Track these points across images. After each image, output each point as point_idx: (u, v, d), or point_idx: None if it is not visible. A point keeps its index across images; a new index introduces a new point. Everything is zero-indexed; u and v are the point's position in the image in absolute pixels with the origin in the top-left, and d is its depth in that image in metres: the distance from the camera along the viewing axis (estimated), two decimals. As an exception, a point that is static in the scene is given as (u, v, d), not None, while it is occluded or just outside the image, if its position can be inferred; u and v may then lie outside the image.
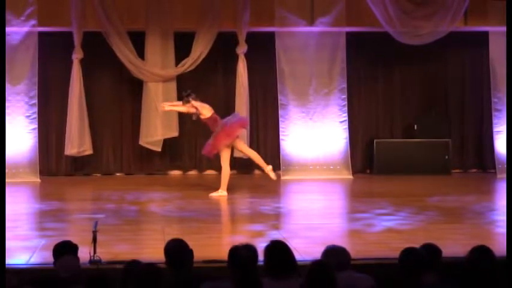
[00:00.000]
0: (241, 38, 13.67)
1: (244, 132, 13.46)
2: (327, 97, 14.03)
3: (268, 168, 11.60)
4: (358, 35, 14.06)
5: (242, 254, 4.62)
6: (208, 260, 6.57)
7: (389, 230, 8.53)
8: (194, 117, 11.68)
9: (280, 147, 13.99)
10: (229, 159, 11.48)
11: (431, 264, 4.97)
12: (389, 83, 15.03)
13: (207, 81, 14.43)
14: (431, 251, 5.19)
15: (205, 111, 11.42)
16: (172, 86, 13.85)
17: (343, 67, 13.99)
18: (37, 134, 13.55)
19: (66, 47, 13.58)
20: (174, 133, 13.81)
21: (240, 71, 13.78)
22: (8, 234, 7.21)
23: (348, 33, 13.92)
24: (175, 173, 14.59)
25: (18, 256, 6.99)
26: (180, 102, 11.79)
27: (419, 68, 14.99)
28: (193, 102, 11.41)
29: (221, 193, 11.39)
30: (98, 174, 14.42)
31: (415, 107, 15.03)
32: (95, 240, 6.56)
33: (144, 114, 13.89)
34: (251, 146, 14.17)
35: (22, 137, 13.44)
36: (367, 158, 14.75)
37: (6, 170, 11.86)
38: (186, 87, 14.14)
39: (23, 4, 13.16)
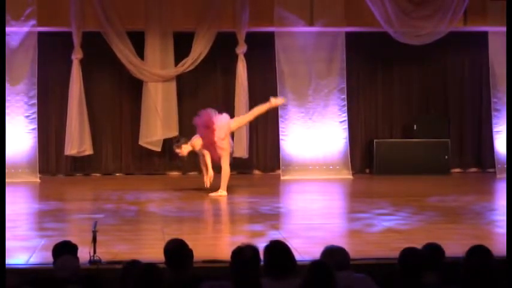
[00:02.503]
0: (241, 38, 13.67)
1: (243, 134, 13.48)
2: (327, 97, 14.04)
3: (273, 101, 11.55)
4: (358, 35, 14.07)
5: (246, 255, 4.61)
6: (208, 260, 6.56)
7: (389, 230, 8.53)
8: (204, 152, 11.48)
9: (280, 147, 13.99)
10: (229, 159, 11.45)
11: (431, 264, 4.97)
12: (388, 83, 15.04)
13: (206, 81, 14.44)
14: (434, 250, 5.18)
15: (198, 141, 11.33)
16: (172, 86, 13.86)
17: (342, 67, 14.00)
18: (37, 134, 13.56)
19: (66, 47, 13.60)
20: (174, 133, 13.78)
21: (240, 71, 13.79)
22: (8, 234, 7.22)
23: (347, 33, 13.93)
24: (175, 173, 14.59)
25: (18, 256, 6.98)
26: (205, 165, 11.43)
27: (418, 68, 15.00)
28: (184, 146, 11.34)
29: (221, 193, 11.38)
30: (98, 174, 14.42)
31: (415, 107, 15.04)
32: (94, 240, 6.56)
33: (144, 114, 13.90)
34: (251, 146, 14.21)
35: (22, 137, 13.44)
36: (366, 158, 14.75)
37: (6, 170, 11.85)
38: (185, 87, 14.26)
39: (22, 4, 13.16)
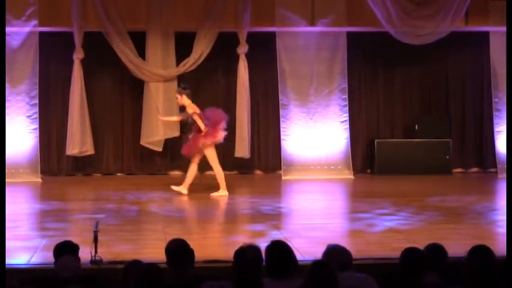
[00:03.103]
0: (242, 37, 13.67)
1: (245, 134, 13.48)
2: (328, 97, 14.04)
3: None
4: (359, 35, 14.06)
5: (249, 255, 4.61)
6: (209, 260, 6.57)
7: (390, 230, 8.53)
8: (190, 120, 11.50)
9: (281, 147, 13.99)
10: (217, 159, 11.40)
11: (433, 264, 4.97)
12: (390, 83, 15.02)
13: (208, 81, 14.44)
14: (436, 251, 5.18)
15: (194, 107, 11.31)
16: (173, 86, 13.83)
17: (343, 67, 14.00)
18: (38, 134, 13.56)
19: (67, 47, 13.59)
20: (175, 133, 13.78)
21: (241, 71, 13.78)
22: (9, 234, 7.23)
23: (348, 33, 13.92)
24: (176, 173, 14.58)
25: (19, 256, 6.98)
26: (175, 117, 12.13)
27: (420, 68, 14.99)
28: (186, 98, 11.35)
29: (222, 193, 11.39)
30: (99, 174, 14.41)
31: (416, 107, 15.02)
32: (96, 240, 6.56)
33: (145, 114, 13.89)
34: (252, 146, 14.21)
35: (23, 137, 13.44)
36: (368, 158, 14.74)
37: (7, 170, 11.86)
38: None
39: (23, 4, 13.16)
